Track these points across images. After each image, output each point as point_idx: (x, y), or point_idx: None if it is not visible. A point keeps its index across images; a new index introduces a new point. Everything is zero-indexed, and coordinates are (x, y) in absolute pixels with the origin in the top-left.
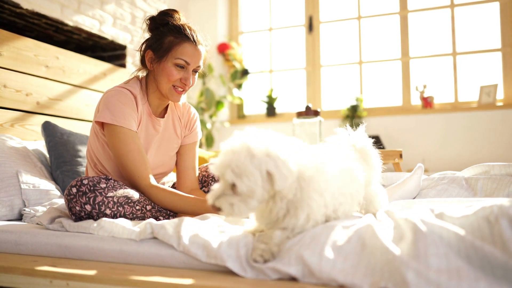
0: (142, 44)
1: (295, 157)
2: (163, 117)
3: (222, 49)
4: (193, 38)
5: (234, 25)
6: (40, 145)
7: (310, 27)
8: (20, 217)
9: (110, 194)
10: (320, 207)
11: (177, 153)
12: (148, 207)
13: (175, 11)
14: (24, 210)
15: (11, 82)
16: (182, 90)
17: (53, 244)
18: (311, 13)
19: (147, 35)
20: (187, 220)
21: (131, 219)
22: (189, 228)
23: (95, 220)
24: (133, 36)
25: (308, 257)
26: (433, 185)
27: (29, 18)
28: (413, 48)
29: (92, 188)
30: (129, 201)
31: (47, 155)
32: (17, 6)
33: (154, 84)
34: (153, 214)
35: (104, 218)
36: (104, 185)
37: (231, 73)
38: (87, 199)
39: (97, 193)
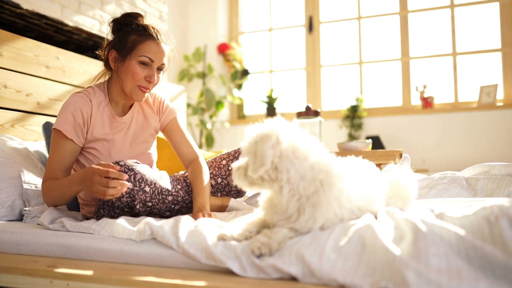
0: (105, 46)
1: (317, 157)
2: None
3: (222, 49)
4: (156, 36)
5: (234, 25)
6: (40, 145)
7: (310, 27)
8: (20, 218)
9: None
10: (337, 218)
11: (166, 136)
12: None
13: (139, 14)
14: (25, 210)
15: (12, 82)
16: (146, 88)
17: (54, 244)
18: (311, 13)
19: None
20: (184, 220)
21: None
22: (187, 229)
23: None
24: None
25: (309, 257)
26: (433, 184)
27: (29, 18)
28: (413, 48)
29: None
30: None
31: (47, 156)
32: (17, 6)
33: (118, 84)
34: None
35: (104, 218)
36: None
37: (231, 73)
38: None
39: (136, 171)
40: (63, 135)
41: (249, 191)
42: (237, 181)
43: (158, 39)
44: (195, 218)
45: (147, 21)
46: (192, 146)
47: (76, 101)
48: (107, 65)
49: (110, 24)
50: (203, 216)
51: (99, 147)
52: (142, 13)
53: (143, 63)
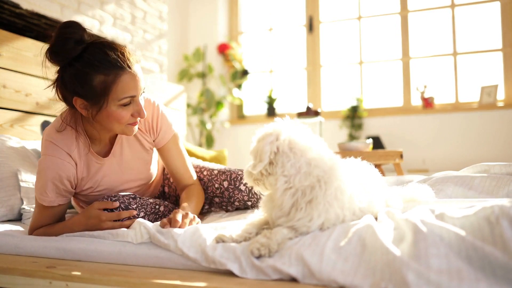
0: (57, 87)
1: (314, 154)
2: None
3: (222, 49)
4: (126, 64)
5: (234, 25)
6: (39, 145)
7: (310, 27)
8: (20, 217)
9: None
10: (338, 220)
11: (161, 157)
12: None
13: (76, 27)
14: (24, 208)
15: (11, 82)
16: (136, 122)
17: (52, 247)
18: (311, 13)
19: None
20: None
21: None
22: (184, 230)
23: None
24: (133, 36)
25: (309, 257)
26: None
27: (29, 18)
28: (414, 48)
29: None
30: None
31: None
32: (17, 6)
33: (97, 125)
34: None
35: None
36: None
37: (231, 73)
38: None
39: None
40: (41, 204)
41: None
42: (246, 179)
43: (129, 66)
44: (173, 215)
45: (106, 28)
46: (190, 171)
47: (55, 167)
48: (72, 106)
49: (48, 57)
50: (186, 218)
51: (94, 186)
52: (142, 13)
53: (126, 104)
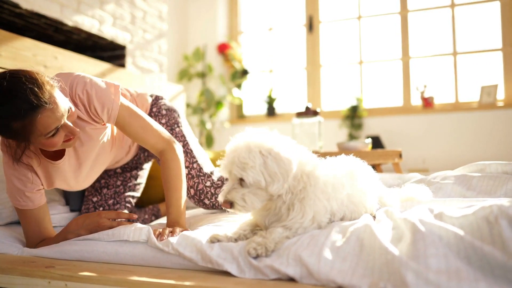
0: None
1: (296, 154)
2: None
3: (222, 49)
4: (41, 102)
5: (234, 25)
6: None
7: (310, 26)
8: None
9: None
10: (327, 212)
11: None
12: None
13: None
14: None
15: None
16: (72, 138)
17: (49, 251)
18: (311, 13)
19: None
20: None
21: None
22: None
23: None
24: (132, 36)
25: (307, 258)
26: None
27: (28, 18)
28: (414, 48)
29: None
30: None
31: None
32: (16, 6)
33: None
34: None
35: None
36: None
37: (231, 73)
38: None
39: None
40: (19, 209)
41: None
42: (250, 205)
43: (45, 103)
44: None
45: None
46: (154, 137)
47: (13, 171)
48: None
49: None
50: (173, 234)
51: (65, 185)
52: (141, 13)
53: (53, 135)
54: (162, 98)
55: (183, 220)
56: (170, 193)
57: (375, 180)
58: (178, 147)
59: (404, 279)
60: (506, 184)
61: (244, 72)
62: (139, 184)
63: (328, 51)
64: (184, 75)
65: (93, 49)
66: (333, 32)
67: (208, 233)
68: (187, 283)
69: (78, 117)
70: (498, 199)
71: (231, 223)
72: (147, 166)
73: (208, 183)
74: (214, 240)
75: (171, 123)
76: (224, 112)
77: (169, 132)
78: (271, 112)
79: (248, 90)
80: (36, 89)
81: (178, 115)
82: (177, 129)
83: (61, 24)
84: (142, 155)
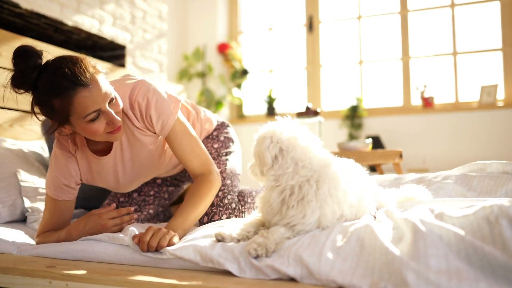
0: (33, 111)
1: (310, 153)
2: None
3: (222, 49)
4: (80, 81)
5: (234, 25)
6: (35, 145)
7: (310, 26)
8: (22, 217)
9: None
10: (335, 216)
11: (170, 147)
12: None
13: (27, 54)
14: (28, 211)
15: None
16: (116, 129)
17: (50, 251)
18: (311, 13)
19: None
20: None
21: None
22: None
23: None
24: (132, 36)
25: (307, 258)
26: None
27: (28, 18)
28: (414, 48)
29: None
30: None
31: (44, 155)
32: (17, 6)
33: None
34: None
35: None
36: None
37: (231, 73)
38: None
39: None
40: (49, 197)
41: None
42: (252, 175)
43: (85, 83)
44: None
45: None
46: (196, 161)
47: (60, 159)
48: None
49: (12, 88)
50: (167, 238)
51: (103, 185)
52: (141, 13)
53: (93, 119)
54: (228, 126)
55: (181, 231)
56: (187, 205)
57: (372, 182)
58: (217, 176)
59: (404, 279)
60: (507, 184)
61: (244, 72)
62: (168, 201)
63: (328, 51)
64: (184, 75)
65: (93, 49)
66: (333, 32)
67: (207, 234)
68: (187, 283)
69: (131, 121)
70: (498, 199)
71: (235, 222)
72: (185, 187)
73: (224, 216)
74: (218, 237)
75: (221, 150)
76: (224, 112)
77: (215, 157)
78: (271, 112)
79: (248, 90)
80: (76, 68)
81: (233, 146)
82: (223, 158)
83: (61, 24)
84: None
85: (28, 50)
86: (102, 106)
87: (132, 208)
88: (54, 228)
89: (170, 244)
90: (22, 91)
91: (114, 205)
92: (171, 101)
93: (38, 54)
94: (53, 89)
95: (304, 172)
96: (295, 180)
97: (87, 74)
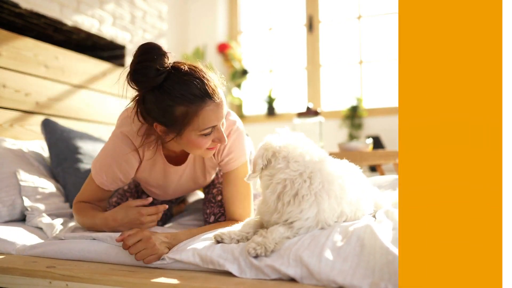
0: (137, 109)
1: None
2: (183, 160)
3: (222, 49)
4: (210, 94)
5: (234, 25)
6: (35, 145)
7: (310, 26)
8: (22, 217)
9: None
10: (334, 212)
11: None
12: None
13: (156, 53)
14: (27, 210)
15: (11, 82)
16: (216, 147)
17: (50, 250)
18: (311, 13)
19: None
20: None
21: None
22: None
23: None
24: (132, 36)
25: (307, 258)
26: None
27: (28, 18)
28: None
29: None
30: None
31: (44, 155)
32: (16, 6)
33: (175, 143)
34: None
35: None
36: None
37: (230, 73)
38: None
39: None
40: (95, 184)
41: None
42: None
43: (213, 96)
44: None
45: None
46: (237, 208)
47: (119, 158)
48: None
49: (129, 83)
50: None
51: (153, 187)
52: (141, 13)
53: (206, 134)
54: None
55: (176, 243)
56: (203, 230)
57: (368, 184)
58: None
59: None
60: None
61: (244, 72)
62: (173, 203)
63: (328, 51)
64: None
65: (92, 49)
66: (333, 32)
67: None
68: (187, 283)
69: None
70: None
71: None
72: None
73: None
74: (218, 238)
75: None
76: None
77: None
78: (271, 112)
79: (248, 90)
80: (208, 82)
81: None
82: None
83: (61, 24)
84: (215, 189)
85: (158, 48)
86: (220, 122)
87: (167, 206)
88: (90, 204)
89: (159, 256)
90: (135, 88)
91: (150, 199)
92: (249, 145)
93: (166, 54)
94: (184, 96)
95: (296, 166)
96: (286, 174)
97: (216, 90)
